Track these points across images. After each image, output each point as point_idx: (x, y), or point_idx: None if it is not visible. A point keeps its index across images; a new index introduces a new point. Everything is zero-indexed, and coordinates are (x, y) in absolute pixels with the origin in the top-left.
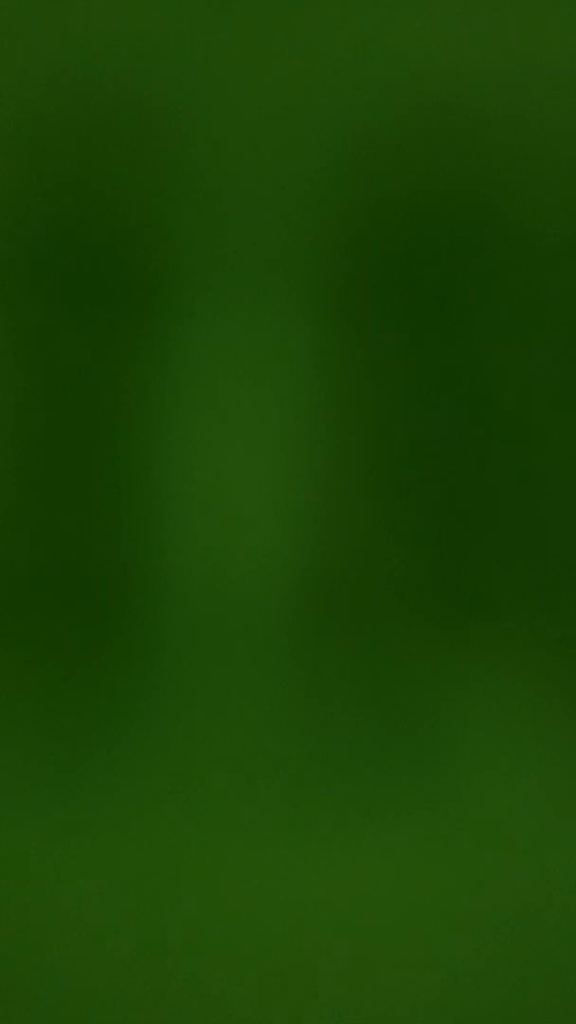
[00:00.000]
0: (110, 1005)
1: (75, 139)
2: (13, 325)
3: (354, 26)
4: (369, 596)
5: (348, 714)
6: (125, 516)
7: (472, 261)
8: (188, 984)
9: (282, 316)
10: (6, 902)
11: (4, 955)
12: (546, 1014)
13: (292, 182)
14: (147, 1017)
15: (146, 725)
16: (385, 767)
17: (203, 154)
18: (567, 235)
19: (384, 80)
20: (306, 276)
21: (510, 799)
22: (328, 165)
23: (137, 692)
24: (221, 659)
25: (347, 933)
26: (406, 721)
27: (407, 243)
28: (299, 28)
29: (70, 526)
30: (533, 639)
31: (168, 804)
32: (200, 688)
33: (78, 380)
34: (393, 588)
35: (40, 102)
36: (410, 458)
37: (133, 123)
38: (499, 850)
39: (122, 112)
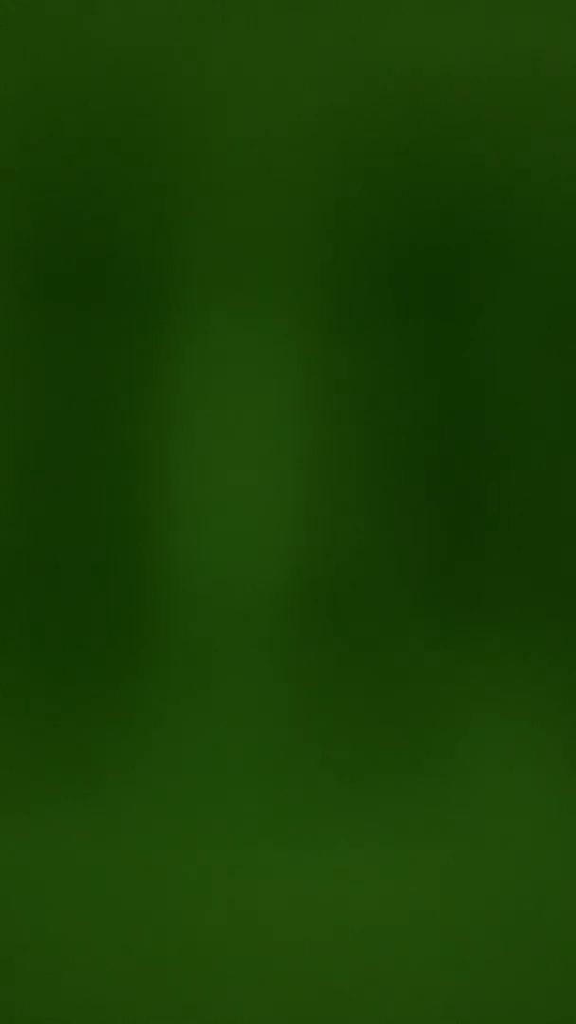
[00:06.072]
0: (110, 1005)
1: (77, 141)
2: (11, 330)
3: (356, 35)
4: (369, 597)
5: (349, 714)
6: (124, 519)
7: (473, 265)
8: (187, 984)
9: (284, 317)
10: (6, 904)
11: (4, 957)
12: (546, 1013)
13: (294, 183)
14: (146, 1017)
15: (145, 724)
16: (386, 767)
17: (204, 156)
18: (571, 236)
19: (385, 83)
20: (308, 279)
21: (511, 798)
22: (330, 168)
23: (136, 693)
24: (221, 660)
25: (347, 932)
26: (407, 720)
27: (409, 249)
28: (300, 32)
29: (67, 529)
30: (534, 638)
31: (167, 804)
32: (200, 687)
33: (76, 380)
34: (393, 589)
35: (41, 103)
36: (410, 459)
37: (133, 126)
38: (499, 849)
39: (122, 116)
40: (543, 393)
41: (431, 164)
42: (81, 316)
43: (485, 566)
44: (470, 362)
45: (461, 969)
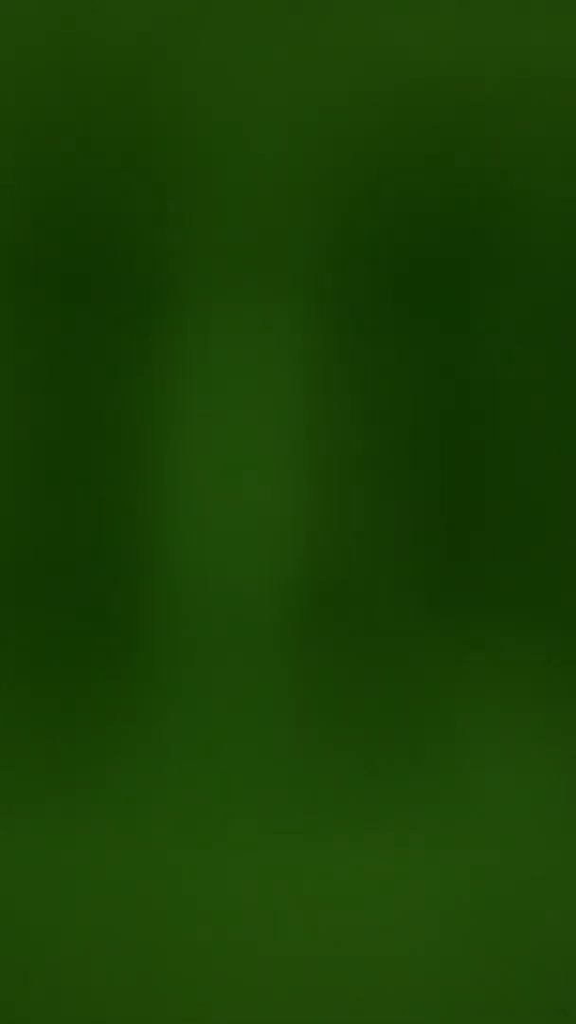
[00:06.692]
0: (110, 1004)
1: (77, 137)
2: (10, 328)
3: (357, 28)
4: (369, 597)
5: (351, 712)
6: (125, 517)
7: (474, 263)
8: (188, 982)
9: (286, 316)
10: (7, 904)
11: (5, 959)
12: (546, 1014)
13: (295, 181)
14: (147, 1017)
15: (146, 722)
16: (387, 764)
17: (204, 154)
18: (571, 235)
19: (385, 80)
20: (309, 278)
21: (512, 794)
22: (330, 166)
23: (138, 692)
24: (222, 658)
25: (347, 933)
26: (409, 717)
27: (410, 247)
28: (300, 27)
29: (67, 526)
30: (533, 639)
31: (168, 801)
32: (200, 688)
33: (76, 379)
34: (393, 589)
35: (41, 99)
36: (410, 458)
37: (133, 123)
38: (499, 850)
39: (123, 113)
40: (544, 388)
41: (431, 161)
42: (81, 315)
43: (487, 564)
44: (472, 358)
45: (462, 967)
